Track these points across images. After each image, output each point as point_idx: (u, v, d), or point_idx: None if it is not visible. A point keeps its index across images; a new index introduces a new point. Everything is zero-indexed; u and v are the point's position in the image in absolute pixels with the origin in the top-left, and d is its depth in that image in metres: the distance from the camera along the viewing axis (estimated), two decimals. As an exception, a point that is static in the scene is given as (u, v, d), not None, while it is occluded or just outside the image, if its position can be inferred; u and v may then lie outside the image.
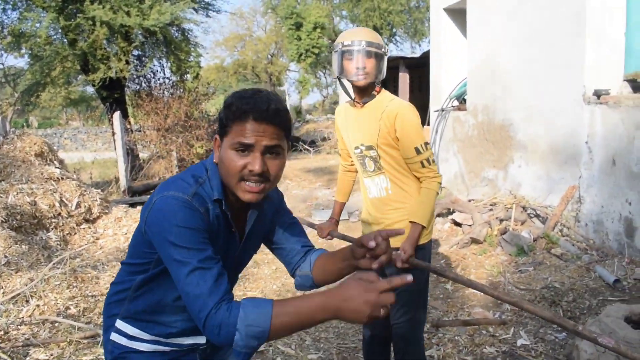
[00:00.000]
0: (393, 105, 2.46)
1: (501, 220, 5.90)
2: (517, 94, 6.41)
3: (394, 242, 2.49)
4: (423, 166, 2.46)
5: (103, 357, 3.51)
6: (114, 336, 1.60)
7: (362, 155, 2.60)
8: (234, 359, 1.76)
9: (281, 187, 9.97)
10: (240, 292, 4.69)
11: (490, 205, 6.36)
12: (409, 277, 1.20)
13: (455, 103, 8.21)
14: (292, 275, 1.74)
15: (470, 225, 6.02)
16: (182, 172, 1.55)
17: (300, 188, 9.97)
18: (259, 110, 1.37)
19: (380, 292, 1.18)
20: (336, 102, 33.64)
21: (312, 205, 8.06)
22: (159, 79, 14.37)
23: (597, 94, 5.19)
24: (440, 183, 2.51)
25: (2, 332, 3.85)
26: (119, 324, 1.60)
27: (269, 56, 41.33)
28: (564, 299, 4.15)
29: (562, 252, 5.05)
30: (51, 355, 3.60)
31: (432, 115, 8.65)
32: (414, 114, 2.48)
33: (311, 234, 2.48)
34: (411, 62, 13.95)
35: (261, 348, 3.63)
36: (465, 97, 7.69)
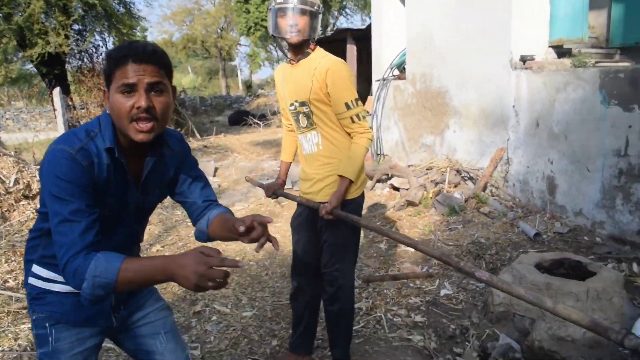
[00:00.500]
0: (325, 62, 2.54)
1: (436, 184, 6.14)
2: (451, 62, 6.62)
3: (324, 196, 2.65)
4: (353, 122, 2.55)
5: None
6: (32, 280, 1.70)
7: (296, 112, 2.69)
8: (152, 306, 1.87)
9: (228, 160, 10.02)
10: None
11: (427, 169, 6.61)
12: (241, 264, 1.36)
13: (396, 72, 8.39)
14: (194, 225, 1.85)
15: (407, 189, 6.25)
16: (79, 127, 1.62)
17: (248, 160, 10.03)
18: (137, 52, 1.47)
19: (210, 267, 1.30)
20: (288, 77, 33.40)
21: (257, 176, 8.15)
22: (101, 54, 14.06)
23: (523, 60, 5.45)
24: (370, 139, 2.60)
25: (-64, 306, 3.85)
26: (35, 268, 1.69)
27: (219, 30, 40.63)
28: (487, 252, 4.42)
29: (489, 211, 5.33)
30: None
31: (374, 85, 8.80)
32: (345, 70, 2.56)
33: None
34: (358, 33, 14.03)
35: (197, 308, 3.76)
36: (405, 66, 7.87)
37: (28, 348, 3.31)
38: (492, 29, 5.79)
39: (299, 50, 2.61)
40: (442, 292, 3.86)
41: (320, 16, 2.63)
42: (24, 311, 3.83)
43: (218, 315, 3.66)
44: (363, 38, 14.16)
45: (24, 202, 6.14)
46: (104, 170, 1.55)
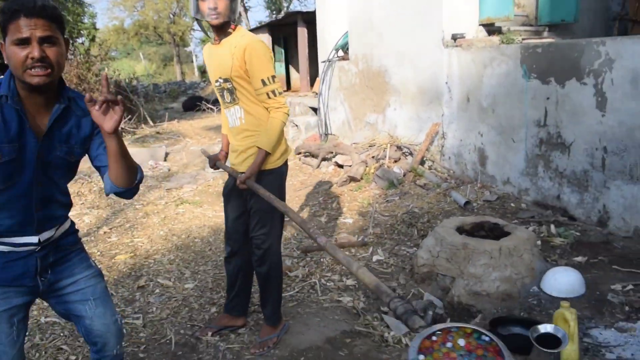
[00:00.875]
0: (243, 40, 2.70)
1: (378, 160, 6.39)
2: (389, 41, 6.85)
3: (246, 166, 2.82)
4: (269, 97, 2.71)
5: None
6: None
7: (221, 88, 2.84)
8: (81, 274, 1.97)
9: (179, 145, 10.07)
10: (128, 239, 4.89)
11: (369, 146, 6.84)
12: None
13: (341, 54, 8.57)
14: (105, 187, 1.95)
15: (350, 166, 6.48)
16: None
17: (199, 144, 10.08)
18: (27, 7, 1.59)
19: None
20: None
21: (206, 160, 8.25)
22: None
23: (454, 38, 5.70)
24: (286, 113, 2.77)
25: None
26: None
27: (171, 15, 39.98)
28: (420, 220, 4.68)
29: (425, 183, 5.61)
30: None
31: (320, 66, 8.98)
32: (261, 49, 2.71)
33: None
34: (309, 17, 14.06)
35: (141, 282, 3.91)
36: (348, 48, 8.06)
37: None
38: (426, 8, 6.04)
39: (221, 30, 2.76)
40: (375, 258, 4.10)
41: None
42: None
43: (161, 289, 3.81)
44: (314, 21, 14.30)
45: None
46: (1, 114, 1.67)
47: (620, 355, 2.58)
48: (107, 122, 1.64)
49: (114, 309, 2.09)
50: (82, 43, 14.63)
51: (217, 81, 2.85)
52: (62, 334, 3.20)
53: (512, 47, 4.89)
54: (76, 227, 2.06)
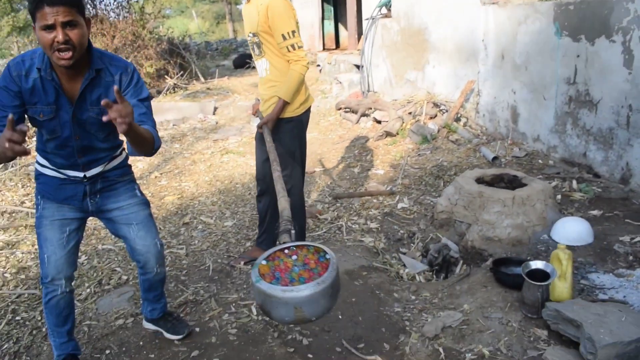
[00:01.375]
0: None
1: (414, 116, 6.58)
2: (430, -1, 6.93)
3: (267, 111, 3.15)
4: (288, 51, 3.00)
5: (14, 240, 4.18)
6: (35, 164, 2.33)
7: (251, 42, 3.18)
8: (126, 200, 2.38)
9: (228, 100, 10.47)
10: (176, 183, 5.35)
11: (408, 103, 7.02)
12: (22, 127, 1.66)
13: (384, 11, 8.66)
14: None
15: (387, 121, 6.70)
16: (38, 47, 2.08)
17: (247, 100, 10.46)
18: None
19: (5, 139, 1.64)
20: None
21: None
22: (102, 1, 14.31)
23: (491, -5, 5.76)
24: (305, 66, 3.05)
25: (-38, 222, 4.46)
26: (37, 156, 2.30)
27: (224, -27, 40.07)
28: (447, 173, 4.91)
29: (457, 139, 5.79)
30: (10, 236, 4.23)
31: (364, 24, 9.09)
32: (282, 6, 2.99)
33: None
34: (357, -27, 13.97)
35: (186, 219, 4.34)
36: (391, 5, 8.15)
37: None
38: (466, -34, 6.09)
39: None
40: (400, 205, 4.39)
41: None
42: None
43: (203, 225, 4.24)
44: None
45: (34, 138, 6.70)
46: (29, 82, 2.01)
47: (613, 296, 2.79)
48: (118, 127, 1.77)
49: (156, 234, 2.46)
50: (137, 1, 15.03)
51: (248, 35, 3.18)
52: (116, 259, 3.68)
53: (546, 4, 4.95)
54: (128, 162, 2.45)
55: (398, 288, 3.14)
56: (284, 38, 2.99)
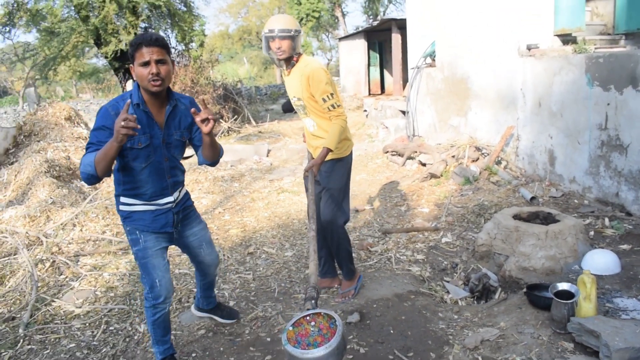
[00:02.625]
0: (307, 69, 3.47)
1: (457, 159, 7.03)
2: (471, 50, 7.47)
3: (314, 152, 3.73)
4: (329, 110, 3.45)
5: (133, 262, 4.78)
6: (121, 207, 2.74)
7: (296, 104, 3.71)
8: (196, 226, 3.00)
9: (279, 143, 11.13)
10: (238, 218, 5.93)
11: (451, 147, 7.49)
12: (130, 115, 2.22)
13: (429, 61, 9.24)
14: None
15: (432, 164, 7.16)
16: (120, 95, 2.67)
17: (297, 143, 11.12)
18: (147, 40, 2.43)
19: (120, 120, 2.18)
20: (338, 65, 34.40)
21: (304, 156, 9.23)
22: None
23: (528, 48, 6.25)
24: (344, 119, 3.51)
25: (57, 248, 5.12)
26: (121, 199, 2.72)
27: (273, 21, 41.83)
28: (488, 211, 5.32)
29: (498, 180, 6.20)
30: (96, 260, 4.85)
31: (410, 72, 9.68)
32: (321, 74, 3.45)
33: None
34: (402, 23, 14.62)
35: (250, 250, 4.88)
36: (435, 56, 8.73)
37: (126, 274, 4.52)
38: (504, 21, 6.62)
39: (287, 62, 3.59)
40: (444, 240, 4.82)
41: (301, 36, 3.57)
42: (120, 252, 5.05)
43: (266, 255, 4.77)
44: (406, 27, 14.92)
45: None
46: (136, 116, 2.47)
47: (635, 317, 3.14)
48: (203, 127, 2.43)
49: (216, 249, 3.16)
50: (193, 48, 16.15)
51: (292, 98, 3.70)
52: (192, 281, 4.22)
53: (578, 57, 5.40)
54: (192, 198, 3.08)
55: (442, 309, 3.56)
56: (324, 100, 3.45)
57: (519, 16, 6.41)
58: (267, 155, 9.86)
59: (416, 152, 7.82)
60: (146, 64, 2.43)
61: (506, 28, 6.63)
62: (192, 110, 2.41)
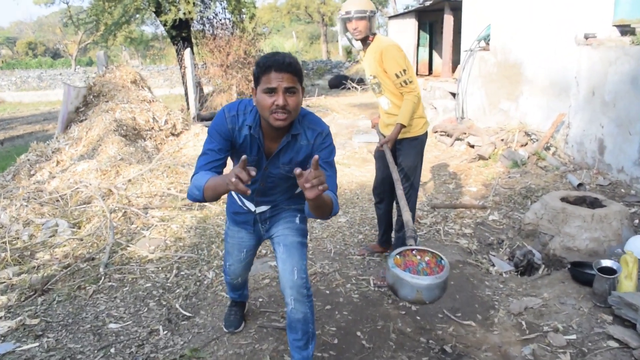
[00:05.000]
0: (380, 46, 3.60)
1: (506, 143, 7.19)
2: (526, 36, 7.55)
3: (387, 131, 3.88)
4: (402, 85, 3.59)
5: (199, 215, 5.14)
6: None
7: (372, 83, 3.91)
8: (282, 225, 2.58)
9: (328, 118, 11.41)
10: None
11: (500, 130, 7.64)
12: (252, 170, 1.73)
13: (482, 44, 9.32)
14: None
15: (480, 146, 7.34)
16: (245, 99, 2.32)
17: (345, 119, 11.38)
18: (278, 64, 2.04)
19: (234, 174, 1.73)
20: (387, 43, 34.17)
21: (353, 131, 9.50)
22: (220, 20, 15.83)
23: (586, 37, 6.33)
24: (416, 96, 3.59)
25: (127, 201, 5.56)
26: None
27: (323, -4, 41.82)
28: (535, 194, 5.51)
29: (545, 165, 6.36)
30: (163, 214, 5.26)
31: (462, 55, 9.78)
32: (393, 51, 3.56)
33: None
34: (455, 4, 14.50)
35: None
36: (489, 39, 8.82)
37: (193, 227, 4.92)
38: (562, 8, 6.69)
39: (364, 42, 3.79)
40: (491, 217, 5.05)
41: (376, 16, 3.76)
42: (185, 207, 5.45)
43: (320, 220, 5.09)
44: (460, 8, 14.83)
45: (171, 137, 7.89)
46: (241, 137, 2.25)
47: (673, 297, 3.35)
48: (309, 192, 1.75)
49: (299, 264, 2.48)
50: (242, 21, 16.41)
51: (369, 78, 3.90)
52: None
53: (635, 48, 5.48)
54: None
55: (489, 279, 3.83)
56: (397, 76, 3.57)
57: (577, 5, 6.47)
58: (317, 129, 10.14)
59: (465, 133, 7.99)
60: (272, 90, 2.07)
61: (564, 16, 6.70)
62: (297, 171, 1.71)
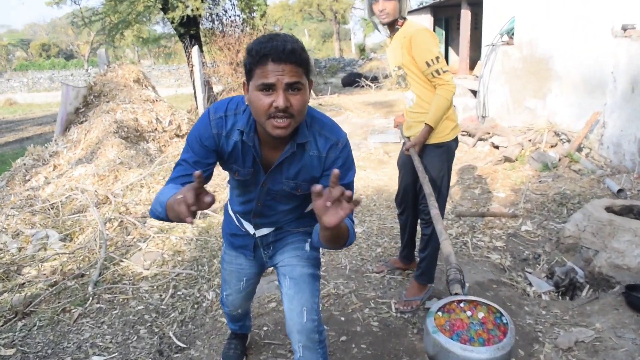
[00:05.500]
0: (410, 30, 3.05)
1: (534, 143, 6.66)
2: (556, 29, 7.00)
3: (413, 137, 3.24)
4: (434, 76, 2.98)
5: (200, 227, 4.69)
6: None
7: (397, 75, 3.32)
8: (289, 252, 2.10)
9: (341, 117, 10.94)
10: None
11: (527, 130, 7.11)
12: (189, 220, 1.30)
13: (505, 38, 8.78)
14: None
15: (506, 147, 6.82)
16: (239, 96, 1.81)
17: (360, 118, 10.88)
18: (277, 51, 1.51)
19: (182, 194, 1.32)
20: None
21: (368, 131, 8.99)
22: (230, 17, 15.41)
23: (624, 28, 5.78)
24: (451, 90, 2.97)
25: (125, 208, 5.12)
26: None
27: (335, -7, 41.34)
28: (570, 201, 4.99)
29: (580, 168, 5.82)
30: (162, 224, 4.82)
31: (484, 50, 9.25)
32: (425, 35, 3.00)
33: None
34: (473, -1, 14.05)
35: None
36: (513, 33, 8.28)
37: (193, 239, 4.46)
38: (598, -2, 6.15)
39: (391, 27, 3.22)
40: (523, 227, 4.54)
41: None
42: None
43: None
44: (477, 3, 14.30)
45: (175, 139, 7.45)
46: (230, 145, 1.77)
47: None
48: (328, 217, 1.36)
49: (310, 303, 2.01)
50: (253, 18, 15.98)
51: (393, 70, 3.32)
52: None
53: (685, 41, 4.94)
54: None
55: (528, 303, 3.32)
56: (428, 65, 2.99)
57: (614, -7, 5.93)
58: (330, 129, 9.67)
59: (489, 133, 7.47)
60: (269, 87, 1.56)
61: (598, 6, 6.15)
62: (316, 189, 1.31)
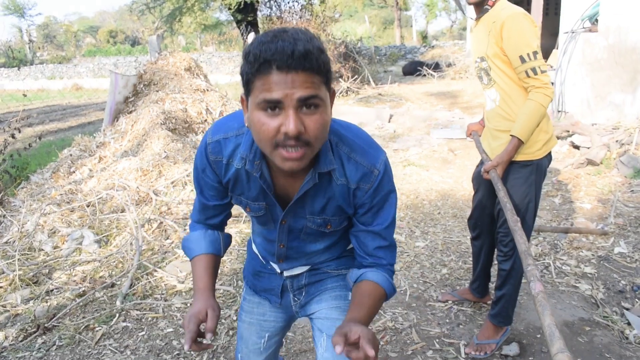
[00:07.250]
0: (503, 14, 2.37)
1: (622, 144, 5.87)
2: (654, 14, 6.14)
3: (493, 155, 2.57)
4: (528, 76, 2.34)
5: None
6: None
7: (479, 69, 2.65)
8: (327, 302, 1.63)
9: (402, 109, 10.31)
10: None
11: (613, 129, 6.30)
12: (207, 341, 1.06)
13: (587, 24, 7.90)
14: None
15: (588, 148, 6.05)
16: (240, 111, 1.38)
17: (422, 109, 10.21)
18: (283, 55, 1.06)
19: (192, 322, 1.29)
20: (464, 29, 32.42)
21: (431, 125, 8.36)
22: (288, 3, 14.97)
23: None
24: (548, 95, 2.33)
25: (166, 208, 4.76)
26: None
27: (398, -21, 40.26)
28: (673, 217, 4.25)
29: (681, 176, 5.03)
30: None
31: (562, 37, 8.38)
32: (524, 21, 2.33)
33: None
34: (547, -18, 13.07)
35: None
36: (598, 18, 7.40)
37: (236, 247, 4.03)
38: None
39: (479, 7, 2.54)
40: (616, 249, 3.85)
41: None
42: (231, 219, 4.59)
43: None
44: (553, -14, 13.27)
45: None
46: (230, 172, 1.38)
47: None
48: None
49: None
50: (312, 4, 15.49)
51: (475, 62, 2.66)
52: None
53: None
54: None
55: (630, 351, 2.69)
56: (522, 60, 2.33)
57: None
58: (389, 121, 9.08)
59: (568, 131, 6.69)
60: (274, 105, 1.11)
61: None
62: (338, 350, 1.07)
